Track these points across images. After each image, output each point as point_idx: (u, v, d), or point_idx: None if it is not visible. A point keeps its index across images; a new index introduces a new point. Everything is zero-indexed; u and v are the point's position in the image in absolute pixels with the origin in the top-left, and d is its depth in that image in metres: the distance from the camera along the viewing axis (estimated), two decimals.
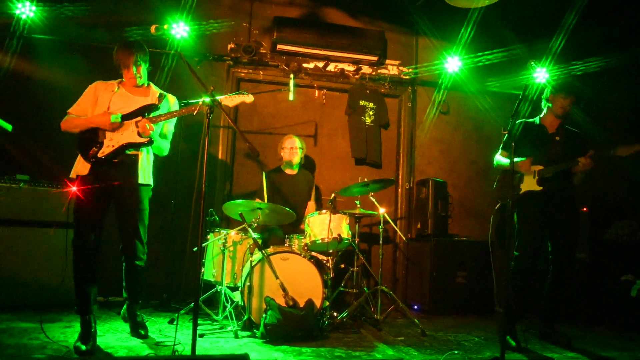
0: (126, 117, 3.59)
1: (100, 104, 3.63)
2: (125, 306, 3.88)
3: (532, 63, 3.52)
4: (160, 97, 3.77)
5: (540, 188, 3.99)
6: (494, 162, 4.32)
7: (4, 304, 4.34)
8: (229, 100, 3.66)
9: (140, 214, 3.64)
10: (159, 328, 4.01)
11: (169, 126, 3.86)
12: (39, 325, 3.80)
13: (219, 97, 3.64)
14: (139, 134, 3.57)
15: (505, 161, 4.18)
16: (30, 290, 4.47)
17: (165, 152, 3.85)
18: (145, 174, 3.69)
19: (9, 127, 2.87)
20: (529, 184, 4.05)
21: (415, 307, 5.53)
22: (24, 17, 5.09)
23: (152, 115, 3.62)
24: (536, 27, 5.95)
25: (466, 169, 6.36)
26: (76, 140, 3.58)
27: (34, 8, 5.09)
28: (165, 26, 3.28)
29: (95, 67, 5.17)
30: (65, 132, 3.62)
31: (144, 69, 3.69)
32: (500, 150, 4.29)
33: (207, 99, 3.10)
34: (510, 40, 5.97)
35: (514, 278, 3.99)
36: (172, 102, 3.85)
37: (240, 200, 4.20)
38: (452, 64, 6.08)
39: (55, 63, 5.21)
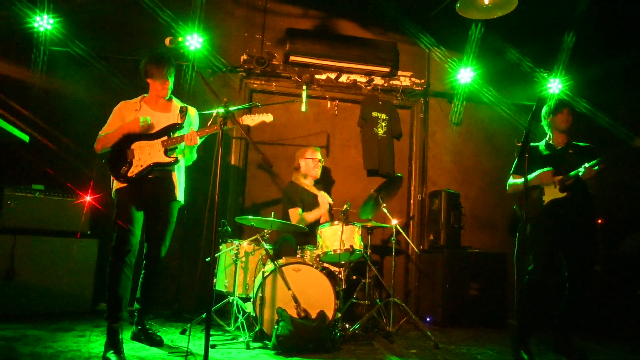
0: (151, 137, 3.68)
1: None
2: (134, 327, 3.86)
3: (544, 74, 3.53)
4: (182, 111, 3.85)
5: (564, 194, 3.98)
6: (508, 188, 4.29)
7: (18, 312, 4.39)
8: (249, 119, 3.76)
9: (169, 228, 3.77)
10: (171, 338, 4.01)
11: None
12: (52, 333, 3.87)
13: (242, 117, 3.72)
14: (166, 154, 3.67)
15: (519, 180, 4.16)
16: (43, 299, 4.53)
17: (191, 162, 3.99)
18: (178, 191, 3.80)
19: (25, 137, 2.91)
20: (551, 193, 4.04)
21: (428, 319, 5.49)
22: (42, 29, 5.20)
23: (176, 134, 3.72)
24: (549, 37, 5.94)
25: (479, 180, 6.33)
26: (106, 160, 3.69)
27: (51, 21, 5.20)
28: (180, 38, 3.31)
29: (109, 79, 5.28)
30: (101, 152, 3.71)
31: (171, 83, 3.77)
32: (511, 177, 4.28)
33: (221, 110, 3.13)
34: (523, 50, 5.97)
35: (528, 291, 3.95)
36: (193, 115, 3.94)
37: (251, 216, 4.23)
38: (465, 74, 6.08)
39: (71, 75, 5.29)
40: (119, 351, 3.25)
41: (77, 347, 3.54)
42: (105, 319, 3.43)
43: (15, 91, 5.11)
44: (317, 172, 5.10)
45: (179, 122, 3.79)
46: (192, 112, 3.95)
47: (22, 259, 4.53)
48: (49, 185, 4.80)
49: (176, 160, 3.72)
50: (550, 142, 4.22)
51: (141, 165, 3.63)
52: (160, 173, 3.71)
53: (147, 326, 3.85)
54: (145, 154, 3.66)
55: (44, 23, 5.18)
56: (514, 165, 4.26)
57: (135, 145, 3.67)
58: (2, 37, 5.07)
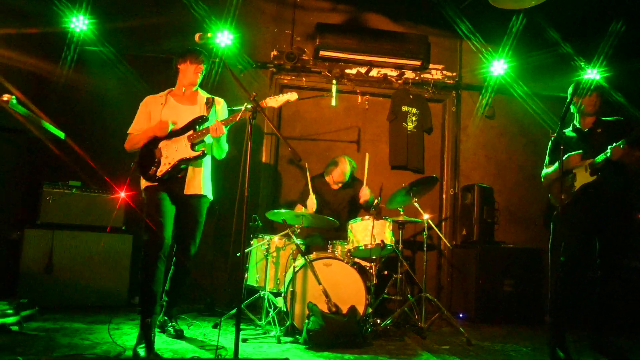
0: (178, 133, 3.70)
1: (153, 117, 3.79)
2: (161, 316, 3.90)
3: (581, 63, 3.42)
4: (208, 102, 3.86)
5: (594, 177, 3.81)
6: (542, 180, 4.17)
7: (57, 304, 4.52)
8: (274, 101, 3.72)
9: (199, 224, 3.81)
10: (203, 332, 4.07)
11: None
12: (89, 326, 3.97)
13: (266, 99, 3.71)
14: (193, 148, 3.68)
15: (551, 169, 4.04)
16: (80, 292, 4.66)
17: (224, 155, 3.96)
18: (206, 187, 3.82)
19: (61, 134, 2.98)
20: (582, 177, 3.89)
21: (461, 315, 5.42)
22: (77, 30, 5.32)
23: (203, 126, 3.72)
24: (585, 26, 5.76)
25: (513, 174, 6.20)
26: (135, 162, 3.74)
27: (87, 21, 5.31)
28: (209, 34, 3.34)
29: (142, 77, 5.36)
30: (131, 151, 3.79)
31: (204, 70, 3.83)
32: (544, 167, 4.16)
33: (250, 105, 3.14)
34: (557, 40, 5.80)
35: (560, 285, 3.82)
36: (220, 105, 3.94)
37: (283, 211, 4.25)
38: (497, 66, 5.96)
39: (105, 73, 5.40)
40: (149, 346, 3.24)
41: (113, 339, 3.62)
42: (139, 313, 3.47)
43: (50, 90, 5.24)
44: (343, 179, 5.08)
45: (205, 114, 3.79)
46: (219, 103, 3.94)
47: (60, 253, 4.67)
48: (85, 182, 4.92)
49: (203, 154, 3.70)
50: (577, 125, 4.06)
51: (169, 163, 3.65)
52: (189, 170, 3.71)
53: (177, 326, 3.89)
54: (172, 151, 3.67)
55: (79, 24, 5.29)
56: (547, 155, 4.14)
57: (163, 144, 3.70)
58: (38, 35, 5.19)
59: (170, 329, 3.85)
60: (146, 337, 3.28)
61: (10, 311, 3.63)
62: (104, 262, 4.78)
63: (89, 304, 4.67)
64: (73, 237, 4.74)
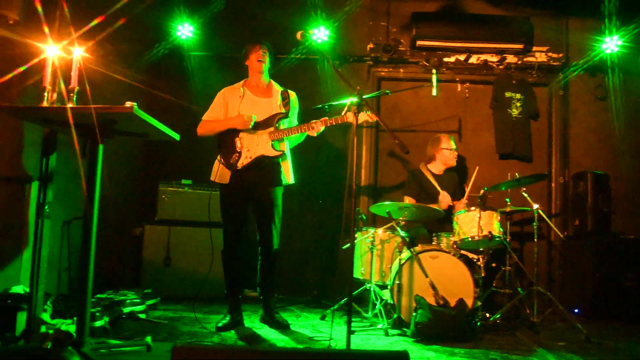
0: (258, 126, 3.82)
1: (231, 110, 3.94)
2: (261, 310, 4.06)
3: None
4: (284, 97, 3.96)
5: None
6: None
7: (175, 295, 4.82)
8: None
9: (277, 209, 3.90)
10: (312, 324, 4.17)
11: (294, 120, 4.07)
12: (205, 315, 4.22)
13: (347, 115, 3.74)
14: (273, 146, 3.80)
15: None
16: (195, 284, 4.86)
17: (296, 144, 4.13)
18: (283, 176, 3.92)
19: (177, 136, 3.17)
20: None
21: (576, 310, 5.12)
22: (183, 37, 5.63)
23: (282, 124, 3.88)
24: None
25: (631, 160, 5.71)
26: (218, 147, 3.91)
27: (191, 28, 5.61)
28: (311, 31, 3.41)
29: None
30: (201, 136, 3.97)
31: (267, 62, 3.95)
32: None
33: (355, 99, 3.16)
34: None
35: None
36: (294, 100, 4.05)
37: (387, 203, 4.25)
38: (610, 44, 5.53)
39: (210, 76, 5.67)
40: (228, 324, 3.77)
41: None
42: (225, 296, 3.95)
43: (160, 94, 5.60)
44: (454, 161, 5.06)
45: (283, 110, 3.90)
46: (293, 96, 4.04)
47: (176, 248, 5.00)
48: (195, 180, 5.21)
49: (282, 154, 3.85)
50: None
51: (250, 157, 3.79)
52: (267, 163, 3.84)
53: (277, 316, 3.99)
54: (253, 145, 3.81)
55: (185, 31, 5.60)
56: None
57: (244, 135, 3.84)
58: (152, 47, 5.56)
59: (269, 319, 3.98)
60: (230, 312, 3.87)
61: (137, 300, 3.96)
62: (216, 255, 5.02)
63: (203, 295, 4.91)
64: (187, 232, 5.05)
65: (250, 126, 3.78)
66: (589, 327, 4.31)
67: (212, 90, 5.53)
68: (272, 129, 3.82)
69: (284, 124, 3.93)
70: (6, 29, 3.43)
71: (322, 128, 3.80)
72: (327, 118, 3.81)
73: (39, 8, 3.39)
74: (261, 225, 3.91)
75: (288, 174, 3.94)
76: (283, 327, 3.89)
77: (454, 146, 5.03)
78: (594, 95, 5.80)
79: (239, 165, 3.78)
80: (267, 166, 3.84)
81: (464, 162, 5.75)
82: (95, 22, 3.86)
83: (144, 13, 4.95)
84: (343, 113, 3.65)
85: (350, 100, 3.33)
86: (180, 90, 5.63)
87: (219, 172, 3.85)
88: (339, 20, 5.69)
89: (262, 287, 3.99)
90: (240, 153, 3.80)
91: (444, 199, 4.82)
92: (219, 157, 3.88)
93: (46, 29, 3.37)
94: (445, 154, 4.99)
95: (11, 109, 3.10)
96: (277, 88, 4.02)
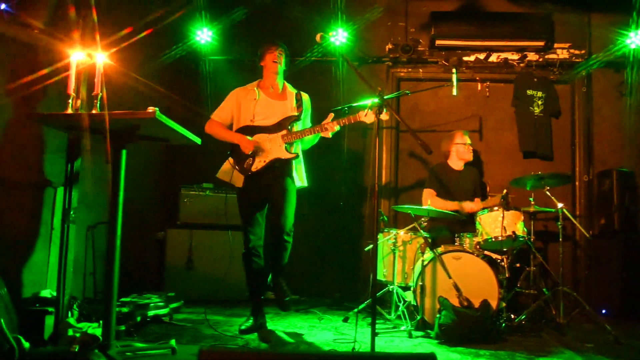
0: (271, 129, 3.80)
1: (244, 112, 3.87)
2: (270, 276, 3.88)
3: None
4: (298, 99, 3.92)
5: None
6: None
7: (198, 297, 4.81)
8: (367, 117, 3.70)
9: (287, 197, 3.70)
10: (335, 326, 4.16)
11: (307, 122, 4.03)
12: (228, 318, 4.23)
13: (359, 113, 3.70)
14: (287, 149, 3.77)
15: None
16: (217, 287, 4.88)
17: (309, 147, 4.07)
18: (297, 178, 3.88)
19: (198, 140, 3.19)
20: None
21: (603, 311, 5.02)
22: (202, 42, 5.67)
23: (295, 126, 3.84)
24: None
25: None
26: (231, 151, 3.88)
27: (210, 33, 5.65)
28: (331, 34, 3.40)
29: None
30: (208, 135, 3.91)
31: (283, 64, 3.89)
32: None
33: (376, 100, 3.15)
34: None
35: None
36: (307, 102, 4.01)
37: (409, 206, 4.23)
38: (635, 38, 5.42)
39: (229, 80, 5.68)
40: (252, 327, 3.72)
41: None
42: (248, 299, 3.97)
43: (181, 98, 5.65)
44: (470, 155, 5.01)
45: (296, 112, 3.86)
46: (306, 98, 4.00)
47: (198, 251, 5.03)
48: (217, 184, 5.23)
49: (296, 157, 3.81)
50: None
51: (264, 161, 3.75)
52: (279, 166, 3.79)
53: (284, 287, 3.74)
54: (267, 148, 3.78)
55: (204, 36, 5.64)
56: None
57: (257, 138, 3.80)
58: (171, 52, 5.61)
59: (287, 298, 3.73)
60: (253, 314, 3.83)
61: (161, 304, 3.98)
62: (238, 258, 5.04)
63: (226, 298, 4.95)
64: (209, 235, 5.08)
65: (249, 153, 3.77)
66: (617, 328, 4.22)
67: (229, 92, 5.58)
68: (285, 131, 3.80)
69: (297, 127, 3.90)
70: (32, 36, 3.49)
71: (336, 128, 3.74)
72: (340, 118, 3.77)
73: (71, 15, 3.44)
74: (274, 212, 3.72)
75: (301, 177, 3.91)
76: (283, 306, 3.73)
77: (468, 141, 5.00)
78: (618, 92, 5.69)
79: (253, 169, 3.77)
80: (280, 168, 3.81)
81: (486, 161, 5.70)
82: (123, 32, 3.90)
83: (164, 18, 5.01)
84: (365, 115, 3.62)
85: (372, 101, 3.31)
86: (199, 95, 5.67)
87: (233, 176, 3.84)
88: (357, 22, 5.68)
89: (272, 266, 3.76)
90: (254, 157, 3.79)
91: (467, 206, 4.77)
92: (230, 159, 3.87)
93: (75, 36, 3.42)
94: (460, 149, 4.98)
95: (37, 116, 3.16)
96: (291, 90, 4.00)
